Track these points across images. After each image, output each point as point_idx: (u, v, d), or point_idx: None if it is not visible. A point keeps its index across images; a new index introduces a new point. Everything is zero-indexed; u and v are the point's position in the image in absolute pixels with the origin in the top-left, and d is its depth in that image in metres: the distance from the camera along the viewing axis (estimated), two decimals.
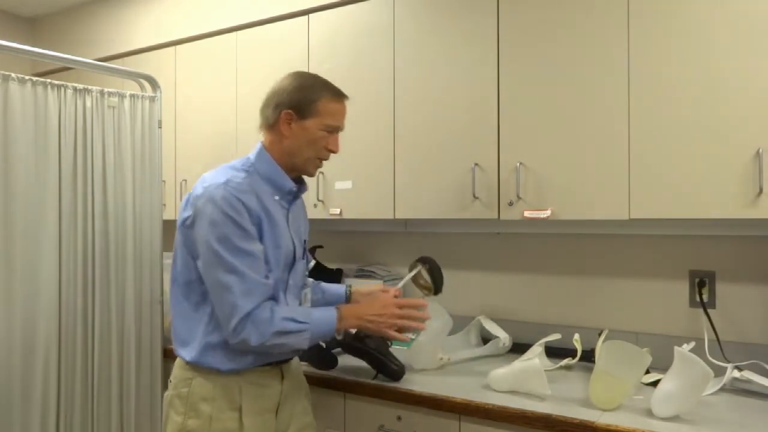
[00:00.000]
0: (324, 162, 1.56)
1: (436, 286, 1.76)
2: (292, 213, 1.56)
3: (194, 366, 1.46)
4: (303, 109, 1.48)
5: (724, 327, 1.85)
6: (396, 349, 1.75)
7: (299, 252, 1.56)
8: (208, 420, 1.43)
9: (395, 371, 1.73)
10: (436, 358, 1.87)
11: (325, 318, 1.45)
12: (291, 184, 1.53)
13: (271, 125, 1.52)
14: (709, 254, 1.91)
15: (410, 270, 1.78)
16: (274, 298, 1.45)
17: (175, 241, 1.51)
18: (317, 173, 1.60)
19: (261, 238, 1.44)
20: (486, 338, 2.12)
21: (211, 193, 1.40)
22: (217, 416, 1.43)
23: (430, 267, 1.75)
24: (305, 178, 1.62)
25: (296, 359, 1.65)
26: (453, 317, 1.95)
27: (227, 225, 1.38)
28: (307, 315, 1.43)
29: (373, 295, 1.55)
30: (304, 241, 1.64)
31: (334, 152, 1.54)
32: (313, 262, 1.62)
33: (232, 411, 1.44)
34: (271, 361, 1.50)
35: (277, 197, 1.51)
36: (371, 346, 1.72)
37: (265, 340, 1.37)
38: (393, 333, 1.50)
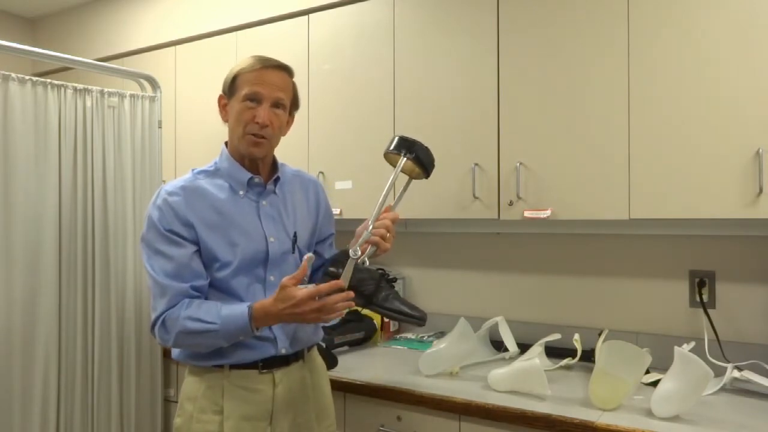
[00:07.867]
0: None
1: (428, 171, 1.56)
2: (272, 207, 1.50)
3: (184, 364, 1.48)
4: (229, 89, 1.46)
5: (724, 327, 1.85)
6: (406, 353, 1.72)
7: (282, 247, 1.48)
8: (189, 419, 1.42)
9: (414, 318, 1.48)
10: (448, 371, 1.85)
11: (235, 317, 1.33)
12: (245, 176, 1.46)
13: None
14: (709, 254, 1.91)
15: (394, 165, 1.55)
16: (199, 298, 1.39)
17: None
18: (266, 155, 1.46)
19: (199, 239, 1.40)
20: (493, 339, 2.08)
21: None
22: (198, 417, 1.41)
23: (416, 156, 1.51)
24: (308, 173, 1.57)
25: (308, 369, 1.53)
26: (452, 317, 1.94)
27: (150, 229, 1.40)
28: (216, 314, 1.33)
29: (283, 291, 1.31)
30: (294, 234, 1.51)
31: (260, 124, 1.40)
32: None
33: (214, 414, 1.40)
34: (255, 360, 1.42)
35: (242, 192, 1.47)
36: (376, 303, 1.46)
37: (173, 340, 1.36)
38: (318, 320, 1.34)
